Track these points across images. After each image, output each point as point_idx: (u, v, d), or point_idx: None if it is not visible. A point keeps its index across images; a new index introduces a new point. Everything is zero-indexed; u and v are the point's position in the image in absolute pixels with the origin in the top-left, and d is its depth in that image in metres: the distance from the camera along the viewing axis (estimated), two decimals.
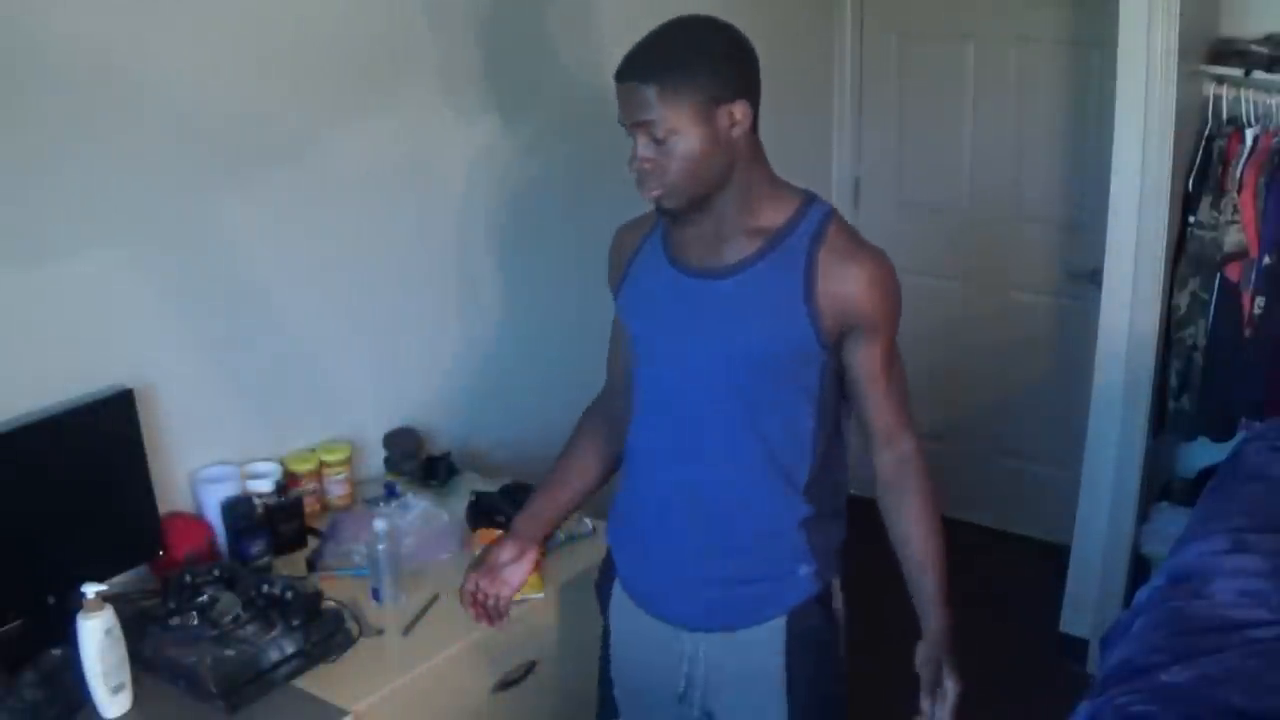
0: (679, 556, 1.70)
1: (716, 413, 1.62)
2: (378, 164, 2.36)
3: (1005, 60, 3.40)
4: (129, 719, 1.70)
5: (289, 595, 1.83)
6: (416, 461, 2.47)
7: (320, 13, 2.20)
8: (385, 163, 2.38)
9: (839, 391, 1.64)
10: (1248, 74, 2.77)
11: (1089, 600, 3.09)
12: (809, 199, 1.61)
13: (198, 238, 2.09)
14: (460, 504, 2.28)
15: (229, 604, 1.80)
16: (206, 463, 2.16)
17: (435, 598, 2.02)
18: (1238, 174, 2.76)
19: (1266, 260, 2.77)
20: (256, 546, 2.08)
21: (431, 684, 1.87)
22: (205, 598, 1.82)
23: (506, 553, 1.77)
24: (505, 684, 2.02)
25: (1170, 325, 2.91)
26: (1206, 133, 2.83)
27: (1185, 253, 2.86)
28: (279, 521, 2.14)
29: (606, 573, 1.84)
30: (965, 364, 3.67)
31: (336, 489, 2.33)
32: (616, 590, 1.80)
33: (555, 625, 2.08)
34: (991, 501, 3.71)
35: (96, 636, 1.65)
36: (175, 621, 1.78)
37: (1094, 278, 3.00)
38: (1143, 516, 3.04)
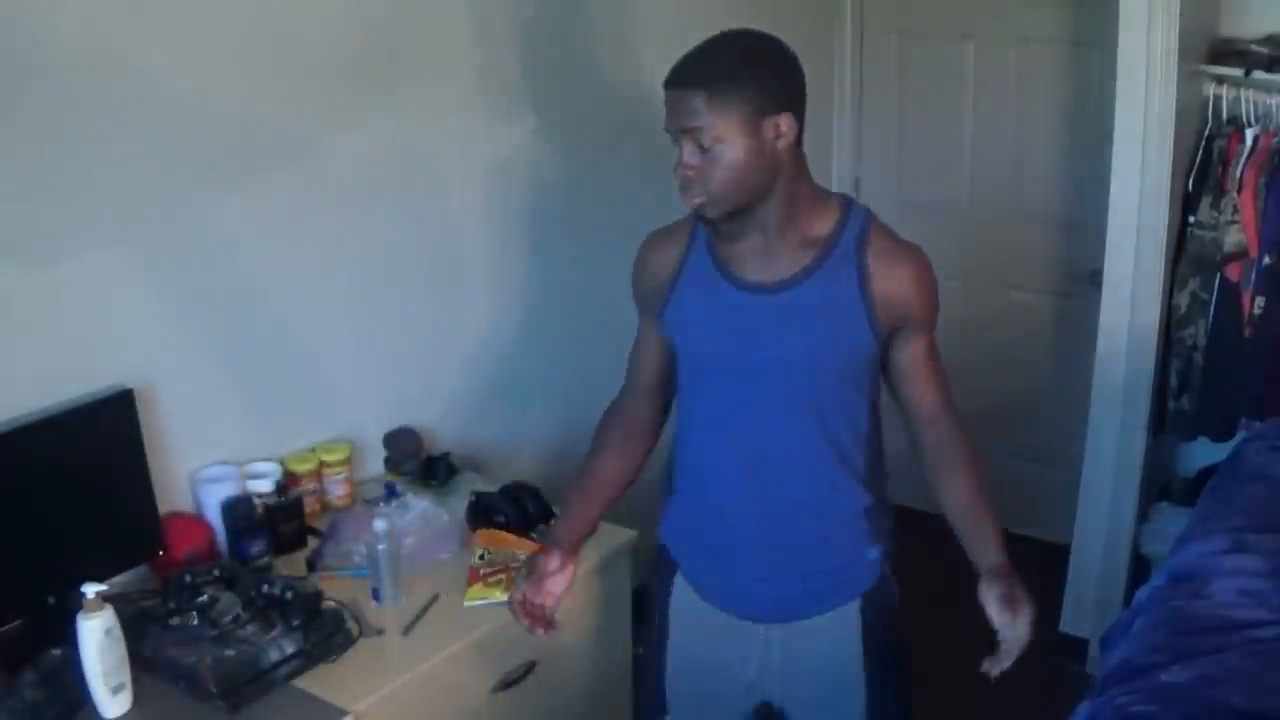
0: (751, 559, 1.74)
1: (787, 423, 1.67)
2: (378, 164, 2.36)
3: (1005, 60, 3.40)
4: (129, 719, 1.70)
5: (289, 595, 1.83)
6: (416, 461, 2.47)
7: (320, 14, 2.20)
8: (385, 163, 2.38)
9: (880, 381, 1.72)
10: (1248, 74, 2.76)
11: (1089, 600, 3.09)
12: (848, 202, 1.66)
13: (199, 238, 2.09)
14: (460, 504, 2.28)
15: (229, 604, 1.80)
16: (206, 463, 2.16)
17: (435, 598, 2.02)
18: (1238, 174, 2.76)
19: (1266, 260, 2.77)
20: (256, 546, 2.08)
21: (431, 684, 1.87)
22: (205, 598, 1.82)
23: (554, 562, 1.77)
24: (505, 684, 2.02)
25: (1170, 325, 2.91)
26: (1206, 133, 2.83)
27: (1185, 253, 2.86)
28: (279, 521, 2.14)
29: (663, 573, 1.85)
30: (965, 364, 3.65)
31: (336, 489, 2.33)
32: (678, 587, 1.82)
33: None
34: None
35: (96, 636, 1.65)
36: (175, 621, 1.78)
37: (1094, 278, 3.00)
38: (1143, 516, 3.04)
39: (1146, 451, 2.97)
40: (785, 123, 1.53)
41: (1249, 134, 2.77)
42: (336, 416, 2.39)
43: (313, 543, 2.19)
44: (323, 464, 2.31)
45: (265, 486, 2.15)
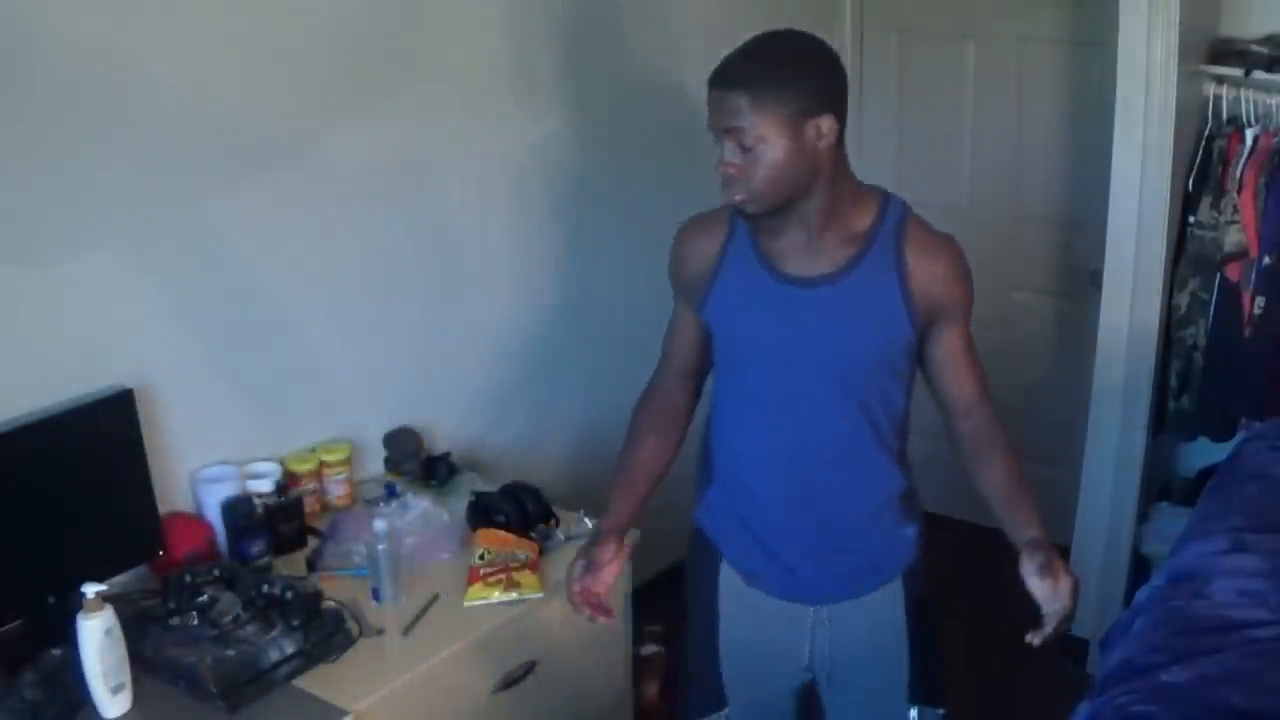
0: (798, 544, 1.77)
1: (831, 412, 1.70)
2: (378, 165, 2.36)
3: (1005, 60, 3.40)
4: (129, 719, 1.70)
5: (289, 595, 1.84)
6: (416, 461, 2.47)
7: (320, 14, 2.20)
8: (385, 163, 2.38)
9: (915, 365, 1.75)
10: (1248, 74, 2.76)
11: (1089, 600, 3.08)
12: (885, 195, 1.70)
13: (199, 238, 2.09)
14: (460, 504, 2.28)
15: (229, 604, 1.80)
16: (206, 463, 2.16)
17: (435, 598, 2.02)
18: (1238, 174, 2.76)
19: (1266, 260, 2.77)
20: (256, 546, 2.08)
21: (431, 684, 1.88)
22: (205, 598, 1.82)
23: (608, 551, 1.75)
24: (505, 684, 2.02)
25: (1170, 325, 2.91)
26: (1206, 133, 2.83)
27: (1185, 253, 2.86)
28: (279, 521, 2.14)
29: (705, 562, 1.86)
30: None
31: (336, 489, 2.33)
32: (725, 575, 1.84)
33: (555, 625, 2.08)
34: None
35: (96, 636, 1.66)
36: (175, 621, 1.79)
37: (1094, 278, 2.99)
38: (1143, 516, 3.04)
39: (1146, 451, 2.96)
40: (826, 124, 1.56)
41: (1249, 134, 2.77)
42: (336, 416, 2.39)
43: (313, 543, 2.19)
44: (323, 464, 2.31)
45: (265, 486, 2.15)
